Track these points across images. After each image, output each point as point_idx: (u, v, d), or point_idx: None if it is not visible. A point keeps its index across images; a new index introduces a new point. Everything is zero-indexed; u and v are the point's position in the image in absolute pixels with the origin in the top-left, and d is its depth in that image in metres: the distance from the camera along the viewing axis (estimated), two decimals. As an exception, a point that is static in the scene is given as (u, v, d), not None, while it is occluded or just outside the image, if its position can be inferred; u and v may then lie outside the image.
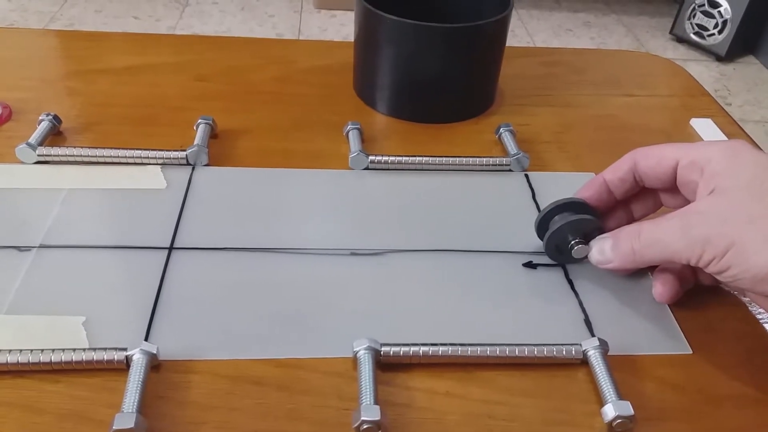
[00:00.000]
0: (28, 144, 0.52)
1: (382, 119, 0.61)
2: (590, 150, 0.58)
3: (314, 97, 0.63)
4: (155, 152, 0.52)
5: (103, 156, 0.52)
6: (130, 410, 0.33)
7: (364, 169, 0.53)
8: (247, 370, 0.38)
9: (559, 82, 0.69)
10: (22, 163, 0.52)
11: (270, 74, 0.67)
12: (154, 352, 0.36)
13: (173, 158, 0.52)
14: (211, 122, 0.56)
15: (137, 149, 0.52)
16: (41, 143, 0.52)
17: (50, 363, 0.35)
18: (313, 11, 2.33)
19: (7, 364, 0.36)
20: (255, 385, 0.37)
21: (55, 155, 0.52)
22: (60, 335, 0.39)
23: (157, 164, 0.53)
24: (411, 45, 0.56)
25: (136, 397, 0.33)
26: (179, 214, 0.48)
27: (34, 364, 0.36)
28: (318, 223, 0.48)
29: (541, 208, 0.48)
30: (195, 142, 0.53)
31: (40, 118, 0.55)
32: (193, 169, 0.52)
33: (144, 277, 0.43)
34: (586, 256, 0.44)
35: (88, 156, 0.52)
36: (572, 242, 0.44)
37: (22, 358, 0.35)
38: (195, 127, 0.56)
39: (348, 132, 0.56)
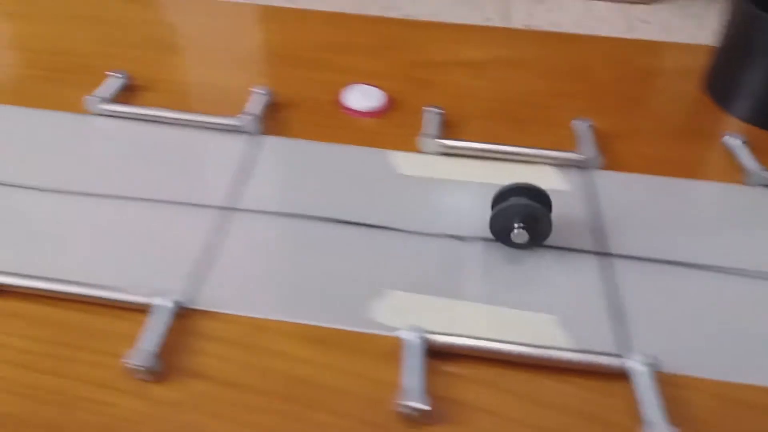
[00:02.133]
0: (429, 135, 0.55)
1: (742, 127, 0.60)
2: None
3: (664, 100, 0.63)
4: (547, 152, 0.54)
5: (496, 152, 0.56)
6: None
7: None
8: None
9: None
10: (421, 152, 0.55)
11: (613, 74, 0.67)
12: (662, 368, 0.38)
13: (568, 160, 0.53)
14: (591, 125, 0.56)
15: (532, 147, 0.54)
16: (439, 136, 0.55)
17: (549, 359, 0.38)
18: (519, -4, 2.29)
19: (501, 353, 0.40)
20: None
21: (452, 147, 0.55)
22: (536, 331, 0.40)
23: (547, 164, 0.54)
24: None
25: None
26: (598, 219, 0.49)
27: (528, 357, 0.39)
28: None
29: None
30: (583, 146, 0.54)
31: (429, 110, 0.58)
32: (589, 172, 0.53)
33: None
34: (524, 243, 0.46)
35: (485, 151, 0.56)
36: (515, 226, 0.45)
37: (520, 350, 0.40)
38: (573, 128, 0.57)
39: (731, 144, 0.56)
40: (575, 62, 0.70)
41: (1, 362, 0.40)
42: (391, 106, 0.62)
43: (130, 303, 0.42)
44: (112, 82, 0.61)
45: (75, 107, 0.59)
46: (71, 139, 0.57)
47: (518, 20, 2.17)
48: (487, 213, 0.47)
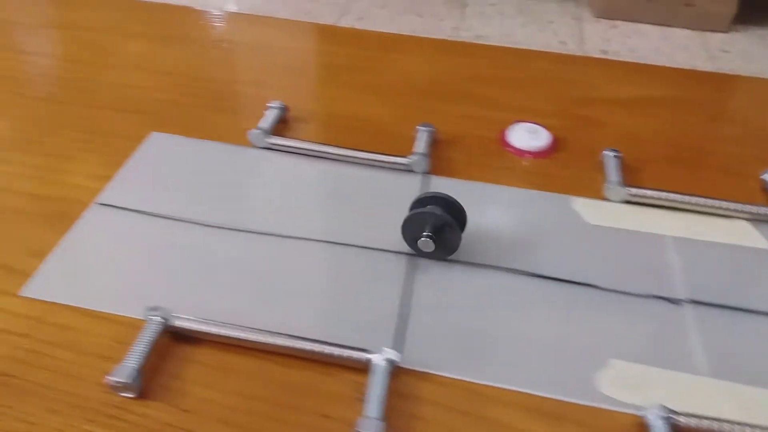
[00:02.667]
0: (614, 182, 0.52)
1: None
2: None
3: None
4: (743, 206, 0.50)
5: (689, 203, 0.52)
6: None
7: None
8: None
9: None
10: (607, 200, 0.52)
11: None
12: None
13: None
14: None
15: (727, 200, 0.51)
16: (624, 183, 0.52)
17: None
18: (591, 20, 2.26)
19: None
20: None
21: (639, 196, 0.51)
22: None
23: (742, 219, 0.50)
24: None
25: None
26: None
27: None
28: None
29: None
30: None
31: (608, 153, 0.55)
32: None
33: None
34: (431, 253, 0.46)
35: (676, 202, 0.53)
36: (423, 234, 0.46)
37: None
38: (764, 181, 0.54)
39: None
40: (739, 104, 0.66)
41: (208, 420, 0.38)
42: (557, 145, 0.59)
43: (344, 359, 0.40)
44: (271, 114, 0.59)
45: (233, 136, 0.57)
46: (240, 173, 0.54)
47: (593, 45, 2.14)
48: (694, 275, 0.44)
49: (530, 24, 2.24)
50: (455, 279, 0.46)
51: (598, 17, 2.30)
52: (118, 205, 0.50)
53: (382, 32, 0.75)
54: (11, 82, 0.64)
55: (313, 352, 0.40)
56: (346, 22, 2.19)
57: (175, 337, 0.41)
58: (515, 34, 2.19)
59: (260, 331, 0.40)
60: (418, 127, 0.58)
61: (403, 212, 0.47)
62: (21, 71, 0.65)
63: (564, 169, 0.57)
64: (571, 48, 2.06)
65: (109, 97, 0.62)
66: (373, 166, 0.55)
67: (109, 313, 0.43)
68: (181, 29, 0.73)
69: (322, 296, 0.45)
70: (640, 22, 2.29)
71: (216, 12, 0.78)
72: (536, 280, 0.46)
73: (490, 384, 0.40)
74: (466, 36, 2.20)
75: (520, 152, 0.58)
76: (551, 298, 0.45)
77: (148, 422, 0.37)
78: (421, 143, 0.56)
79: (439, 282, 0.46)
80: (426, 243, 0.46)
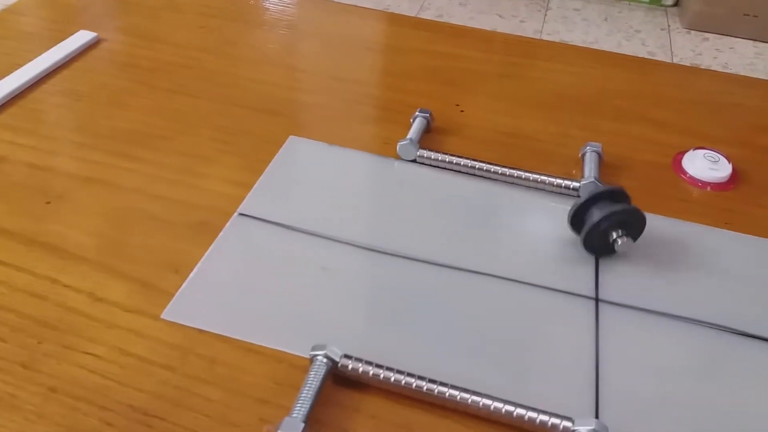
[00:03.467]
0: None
1: None
2: None
3: None
4: None
5: None
6: None
7: None
8: None
9: None
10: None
11: None
12: None
13: None
14: None
15: None
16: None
17: None
18: (682, 31, 2.16)
19: None
20: None
21: None
22: None
23: None
24: None
25: None
26: None
27: None
28: None
29: None
30: None
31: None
32: None
33: None
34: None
35: None
36: (615, 236, 0.42)
37: None
38: None
39: None
40: None
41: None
42: (738, 177, 0.52)
43: (545, 428, 0.33)
44: (418, 123, 0.53)
45: (374, 144, 0.52)
46: (389, 188, 0.48)
47: (683, 57, 2.04)
48: None
49: (616, 32, 2.15)
50: (645, 328, 0.40)
51: (688, 28, 2.20)
52: (261, 217, 0.45)
53: (530, 38, 0.69)
54: (136, 70, 0.58)
55: (508, 416, 0.34)
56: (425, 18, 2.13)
57: (338, 381, 0.36)
58: (601, 42, 2.11)
59: (443, 384, 0.34)
60: (586, 146, 0.51)
61: (573, 243, 0.41)
62: (147, 58, 0.60)
63: (749, 205, 0.50)
64: (661, 60, 1.96)
65: (244, 93, 0.56)
66: (535, 188, 0.49)
67: (262, 346, 0.37)
68: (312, 22, 0.68)
69: (501, 344, 0.39)
70: (733, 35, 2.18)
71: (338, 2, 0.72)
72: (741, 339, 0.40)
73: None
74: (548, 40, 2.11)
75: (699, 182, 0.51)
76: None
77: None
78: (591, 166, 0.50)
79: (629, 331, 0.39)
80: (626, 243, 0.42)
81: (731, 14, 2.15)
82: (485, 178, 0.50)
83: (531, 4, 2.30)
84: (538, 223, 0.47)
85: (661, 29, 2.20)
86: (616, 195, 0.44)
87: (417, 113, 0.53)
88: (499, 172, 0.50)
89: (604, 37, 2.15)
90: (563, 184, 0.49)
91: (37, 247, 0.42)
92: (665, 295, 0.42)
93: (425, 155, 0.50)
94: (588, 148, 0.51)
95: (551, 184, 0.49)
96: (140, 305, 0.39)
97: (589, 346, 0.39)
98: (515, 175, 0.49)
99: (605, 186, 0.46)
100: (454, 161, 0.50)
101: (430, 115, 0.54)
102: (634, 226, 0.43)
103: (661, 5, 2.37)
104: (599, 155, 0.51)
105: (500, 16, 2.20)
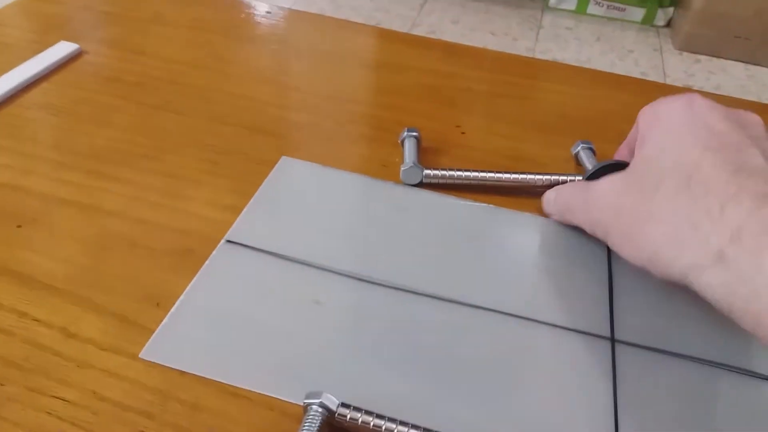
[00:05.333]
0: None
1: None
2: None
3: None
4: None
5: None
6: None
7: None
8: None
9: None
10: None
11: None
12: None
13: None
14: None
15: None
16: None
17: None
18: (674, 52, 2.16)
19: None
20: None
21: None
22: None
23: None
24: None
25: None
26: None
27: None
28: None
29: None
30: None
31: None
32: None
33: None
34: None
35: None
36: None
37: None
38: None
39: None
40: None
41: None
42: None
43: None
44: (409, 143, 0.50)
45: (369, 166, 0.49)
46: (390, 214, 0.45)
47: (676, 79, 2.03)
48: None
49: (609, 52, 2.15)
50: (667, 374, 0.37)
51: (680, 50, 2.19)
52: (251, 244, 0.42)
53: (524, 56, 0.66)
54: (119, 84, 0.55)
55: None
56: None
57: (333, 429, 0.33)
58: (594, 61, 2.10)
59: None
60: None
61: (595, 280, 0.38)
62: (131, 72, 0.57)
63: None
64: (653, 80, 1.96)
65: (234, 111, 0.53)
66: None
67: (250, 391, 0.34)
68: (305, 37, 0.65)
69: (515, 391, 0.35)
70: (724, 57, 2.18)
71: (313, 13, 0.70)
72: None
73: None
74: (540, 58, 2.10)
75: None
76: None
77: None
78: (600, 193, 0.47)
79: (647, 375, 0.37)
80: None
81: (723, 36, 2.16)
82: (495, 192, 0.47)
83: (523, 22, 2.29)
84: (549, 257, 0.44)
85: (654, 50, 2.20)
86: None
87: (405, 133, 0.50)
88: (511, 178, 0.47)
89: (598, 57, 2.14)
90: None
91: (5, 276, 0.39)
92: (690, 338, 0.39)
93: (432, 174, 0.48)
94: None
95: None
96: (117, 343, 0.36)
97: (606, 389, 0.36)
98: (527, 179, 0.47)
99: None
100: (464, 175, 0.47)
101: (419, 135, 0.51)
102: None
103: (653, 25, 2.37)
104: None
105: (493, 34, 2.19)
